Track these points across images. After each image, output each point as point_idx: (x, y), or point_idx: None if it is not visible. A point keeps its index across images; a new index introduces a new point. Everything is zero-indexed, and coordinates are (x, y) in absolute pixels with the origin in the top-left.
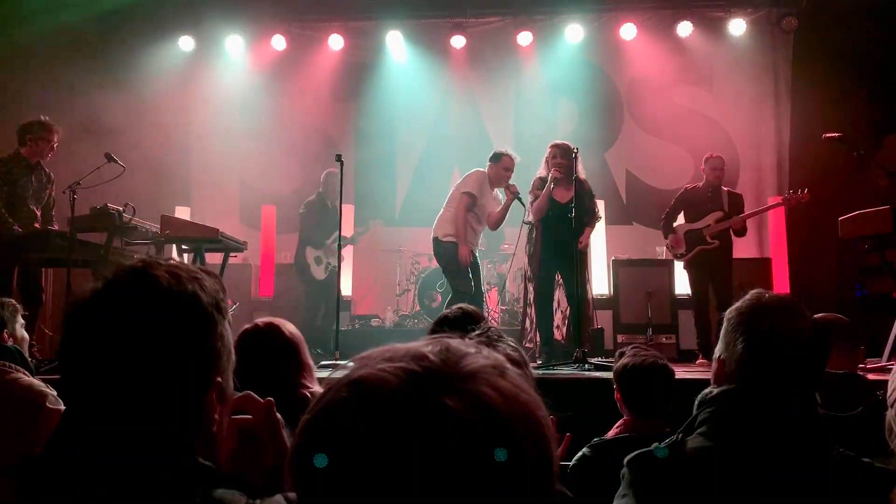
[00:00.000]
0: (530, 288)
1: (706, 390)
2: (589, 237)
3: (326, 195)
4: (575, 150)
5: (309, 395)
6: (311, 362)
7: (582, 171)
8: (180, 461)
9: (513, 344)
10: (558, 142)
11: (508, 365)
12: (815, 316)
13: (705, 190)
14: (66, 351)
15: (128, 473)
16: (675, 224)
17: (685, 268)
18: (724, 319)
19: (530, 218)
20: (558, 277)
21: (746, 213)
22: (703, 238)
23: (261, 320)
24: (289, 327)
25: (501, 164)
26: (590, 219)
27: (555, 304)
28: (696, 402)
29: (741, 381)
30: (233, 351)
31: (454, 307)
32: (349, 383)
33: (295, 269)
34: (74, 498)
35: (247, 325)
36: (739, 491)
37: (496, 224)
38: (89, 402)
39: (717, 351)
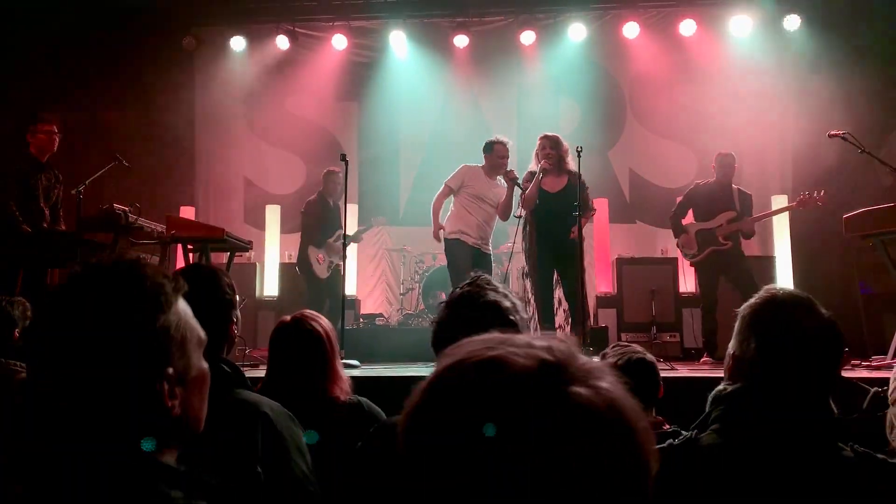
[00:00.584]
0: (528, 284)
1: (720, 387)
2: (582, 228)
3: (327, 194)
4: (578, 149)
5: (338, 397)
6: (337, 361)
7: (572, 163)
8: (128, 453)
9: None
10: (548, 133)
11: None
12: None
13: (716, 187)
14: (27, 361)
15: (78, 465)
16: (685, 223)
17: (693, 266)
18: (738, 316)
19: (521, 212)
20: (556, 274)
21: (758, 214)
22: (716, 238)
23: (299, 313)
24: (323, 322)
25: (495, 154)
26: (583, 210)
27: (556, 303)
28: (710, 399)
29: (754, 379)
30: (192, 335)
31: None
32: (481, 362)
33: (298, 267)
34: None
35: (283, 318)
36: (752, 488)
37: (504, 212)
38: (46, 398)
39: (731, 347)
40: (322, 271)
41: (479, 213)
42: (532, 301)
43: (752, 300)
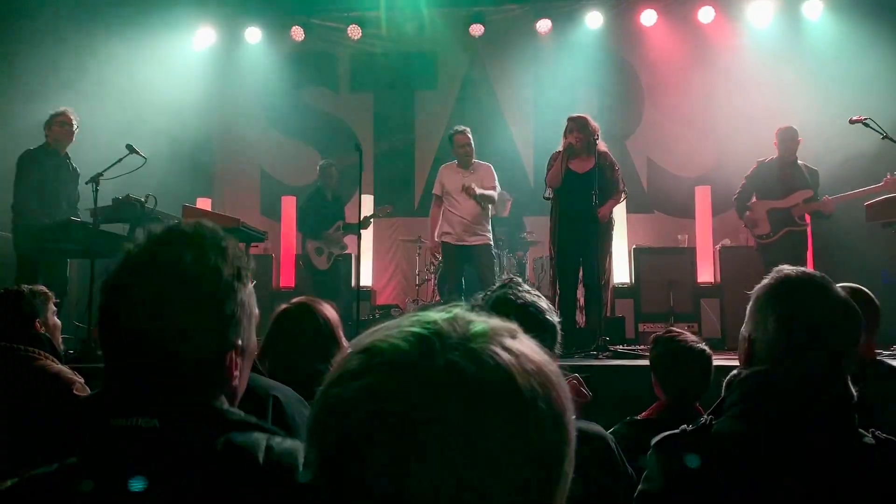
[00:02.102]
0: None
1: (734, 372)
2: (610, 210)
3: (324, 186)
4: (594, 128)
5: None
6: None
7: (602, 144)
8: (203, 407)
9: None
10: (574, 115)
11: (520, 330)
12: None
13: (782, 164)
14: (102, 318)
15: (157, 416)
16: (751, 202)
17: (760, 249)
18: (752, 298)
19: (548, 193)
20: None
21: (842, 195)
22: (792, 218)
23: (296, 300)
24: (327, 309)
25: (455, 145)
26: (613, 191)
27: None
28: (725, 384)
29: (773, 362)
30: (255, 311)
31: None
32: (360, 351)
33: (301, 261)
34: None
35: (283, 305)
36: (772, 475)
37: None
38: (124, 362)
39: (745, 330)
40: (321, 263)
41: (458, 207)
42: (554, 284)
43: (764, 281)
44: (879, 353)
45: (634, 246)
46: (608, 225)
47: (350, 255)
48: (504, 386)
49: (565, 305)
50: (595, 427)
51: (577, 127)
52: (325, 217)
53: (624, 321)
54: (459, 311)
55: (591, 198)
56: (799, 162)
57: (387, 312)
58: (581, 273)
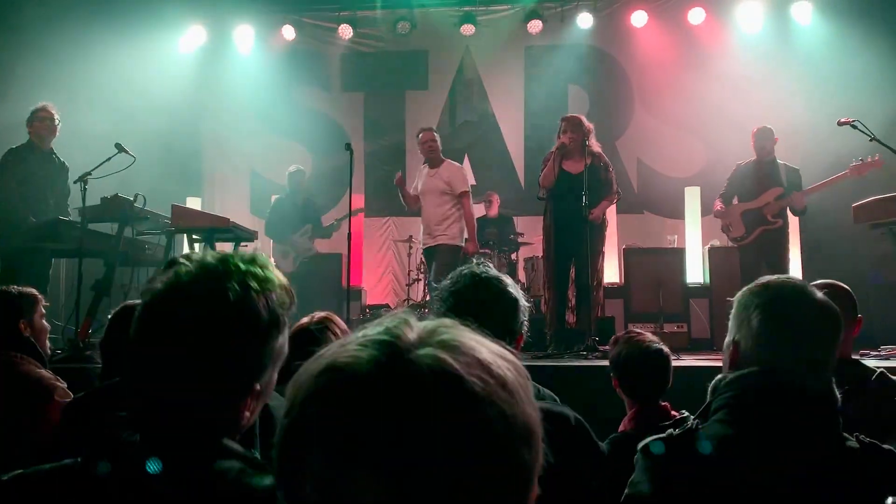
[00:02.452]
0: (544, 266)
1: (719, 376)
2: (603, 211)
3: (294, 192)
4: (588, 129)
5: None
6: None
7: (596, 145)
8: (209, 445)
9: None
10: (568, 115)
11: (460, 324)
12: (818, 282)
13: (758, 165)
14: (135, 338)
15: (160, 455)
16: (728, 207)
17: (738, 251)
18: (735, 302)
19: (543, 193)
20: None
21: (810, 187)
22: (765, 217)
23: (318, 315)
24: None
25: (419, 144)
26: (607, 192)
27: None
28: (710, 389)
29: (760, 363)
30: (285, 352)
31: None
32: (320, 372)
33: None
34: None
35: (303, 321)
36: (755, 477)
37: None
38: (141, 386)
39: (730, 335)
40: (287, 265)
41: (425, 208)
42: (547, 287)
43: (744, 288)
44: (867, 354)
45: (624, 246)
46: (601, 225)
47: (340, 254)
48: (450, 389)
49: (558, 305)
50: (559, 408)
51: (571, 127)
52: (290, 221)
53: (614, 321)
54: (411, 318)
55: (583, 200)
56: (778, 161)
57: (377, 312)
58: (573, 273)
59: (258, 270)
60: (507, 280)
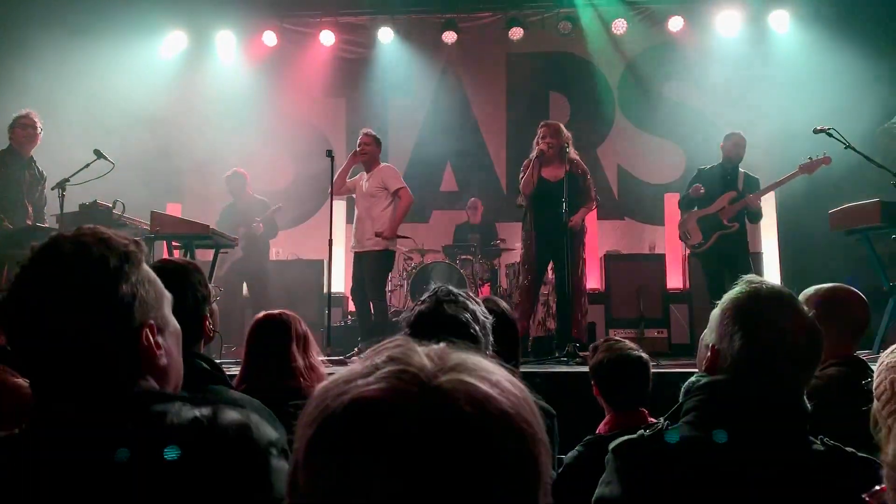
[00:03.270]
0: (521, 272)
1: (693, 378)
2: (582, 218)
3: (234, 197)
4: (567, 136)
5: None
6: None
7: (574, 153)
8: (123, 394)
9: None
10: (549, 121)
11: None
12: (834, 286)
13: (720, 170)
14: (6, 334)
15: (80, 420)
16: (686, 215)
17: (698, 258)
18: (719, 307)
19: (522, 200)
20: (551, 266)
21: (765, 187)
22: (721, 222)
23: (273, 312)
24: (297, 319)
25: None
26: (585, 199)
27: (539, 299)
28: (683, 390)
29: (736, 375)
30: (162, 291)
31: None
32: (345, 407)
33: None
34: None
35: (258, 316)
36: (724, 480)
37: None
38: (40, 371)
39: (709, 339)
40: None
41: (358, 212)
42: (520, 291)
43: (733, 292)
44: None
45: (605, 252)
46: (580, 233)
47: (321, 261)
48: (485, 410)
49: (530, 313)
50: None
51: (550, 132)
52: (232, 227)
53: (595, 327)
54: (394, 352)
55: (562, 208)
56: (740, 169)
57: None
58: (553, 280)
59: (85, 230)
60: (477, 314)
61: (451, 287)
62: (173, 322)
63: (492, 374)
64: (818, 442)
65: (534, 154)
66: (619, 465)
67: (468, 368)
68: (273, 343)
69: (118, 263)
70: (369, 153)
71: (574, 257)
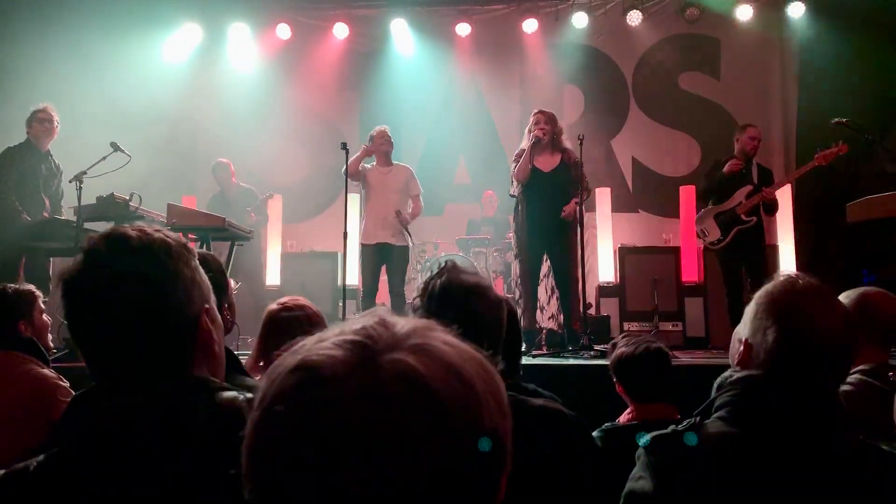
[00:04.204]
0: (516, 266)
1: (726, 373)
2: (575, 207)
3: (222, 188)
4: (580, 137)
5: None
6: None
7: (567, 141)
8: (183, 381)
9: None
10: (543, 109)
11: (437, 325)
12: (864, 290)
13: (737, 164)
14: (70, 319)
15: (141, 405)
16: (703, 211)
17: (717, 254)
18: (753, 301)
19: (515, 190)
20: (546, 258)
21: (781, 180)
22: (738, 217)
23: (287, 299)
24: (312, 307)
25: (375, 139)
26: (576, 189)
27: (547, 291)
28: (716, 385)
29: (771, 371)
30: (210, 284)
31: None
32: (293, 369)
33: None
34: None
35: (272, 306)
36: (761, 479)
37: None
38: (102, 357)
39: (742, 333)
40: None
41: (373, 203)
42: (518, 284)
43: (769, 286)
44: None
45: (619, 245)
46: (575, 222)
47: (336, 253)
48: (417, 394)
49: (533, 305)
50: (554, 406)
51: (545, 119)
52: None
53: (609, 320)
54: (385, 314)
55: (556, 197)
56: (754, 161)
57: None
58: (551, 278)
59: (146, 226)
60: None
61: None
62: (218, 316)
63: (443, 360)
64: (854, 440)
65: (528, 141)
66: (651, 461)
67: (421, 350)
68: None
69: (180, 249)
70: (390, 150)
71: (568, 247)
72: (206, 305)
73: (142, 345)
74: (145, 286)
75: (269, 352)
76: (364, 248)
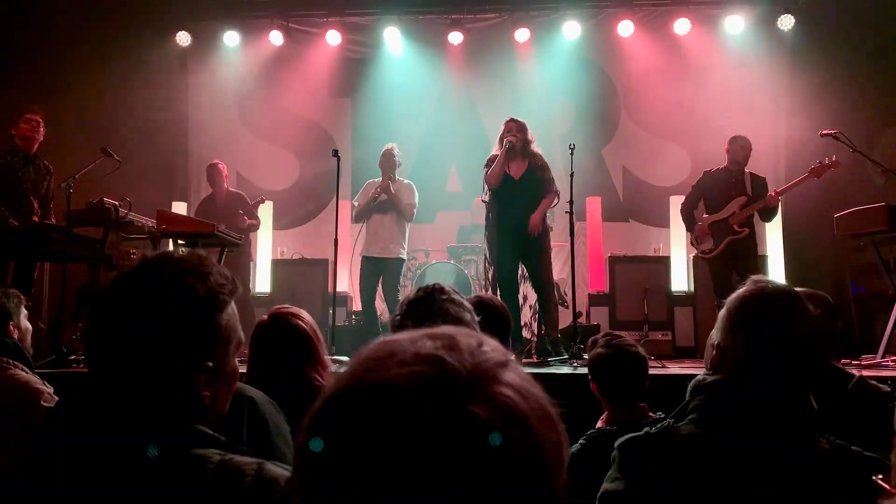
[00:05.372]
0: (491, 274)
1: (699, 377)
2: (543, 213)
3: (213, 189)
4: (571, 147)
5: (319, 382)
6: (323, 353)
7: (536, 149)
8: (171, 430)
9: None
10: (514, 118)
11: (511, 356)
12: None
13: (726, 174)
14: (86, 333)
15: (120, 445)
16: (697, 218)
17: (707, 263)
18: (725, 307)
19: (486, 196)
20: (522, 269)
21: (782, 187)
22: (731, 227)
23: (276, 309)
24: (304, 317)
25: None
26: (545, 193)
27: (520, 300)
28: (689, 389)
29: (739, 374)
30: (234, 336)
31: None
32: (363, 392)
33: None
34: (71, 470)
35: (262, 317)
36: (728, 479)
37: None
38: (98, 379)
39: (714, 337)
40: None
41: (384, 220)
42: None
43: (739, 291)
44: (847, 364)
45: (609, 254)
46: (545, 225)
47: (326, 260)
48: (522, 435)
49: (515, 314)
50: None
51: (517, 127)
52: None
53: (599, 329)
54: (460, 339)
55: (525, 203)
56: (746, 170)
57: (363, 318)
58: (527, 286)
59: (193, 259)
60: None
61: (441, 284)
62: (232, 364)
63: (525, 387)
64: (824, 441)
65: (502, 148)
66: (624, 462)
67: (503, 380)
68: (286, 356)
69: (205, 303)
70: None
71: (539, 253)
72: (209, 363)
73: (140, 379)
74: (146, 328)
75: (260, 364)
76: (364, 259)
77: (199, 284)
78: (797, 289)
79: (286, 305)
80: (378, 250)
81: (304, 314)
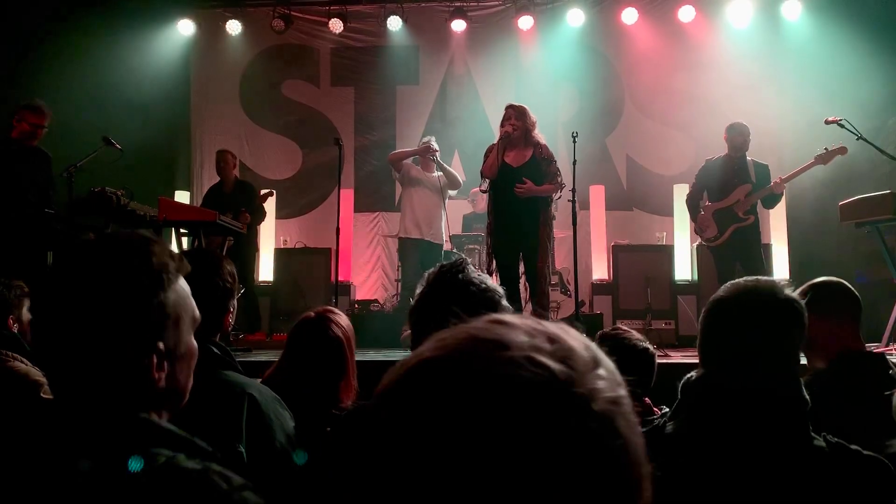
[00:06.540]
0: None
1: (688, 375)
2: (537, 190)
3: (221, 177)
4: (574, 135)
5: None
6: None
7: (541, 137)
8: (120, 418)
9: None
10: (515, 103)
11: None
12: (816, 281)
13: (728, 161)
14: (31, 321)
15: (68, 432)
16: (700, 205)
17: (712, 251)
18: (705, 307)
19: (484, 186)
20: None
21: (787, 175)
22: (736, 214)
23: (315, 311)
24: (340, 321)
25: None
26: (549, 182)
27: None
28: (680, 387)
29: (715, 371)
30: (186, 314)
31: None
32: (476, 384)
33: None
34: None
35: (303, 316)
36: (717, 478)
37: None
38: (52, 367)
39: (699, 338)
40: None
41: (420, 200)
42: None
43: (719, 290)
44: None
45: (613, 243)
46: (547, 216)
47: (328, 249)
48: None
49: (517, 307)
50: None
51: (516, 114)
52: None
53: (602, 317)
54: (575, 347)
55: (526, 196)
56: (748, 158)
57: (366, 307)
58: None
59: (135, 238)
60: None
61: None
62: (188, 343)
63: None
64: (820, 438)
65: (498, 137)
66: None
67: (618, 402)
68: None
69: (155, 279)
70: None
71: (537, 243)
72: (159, 343)
73: (77, 365)
74: (86, 310)
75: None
76: (402, 241)
77: (140, 263)
78: (820, 279)
79: (331, 308)
80: (431, 236)
81: (344, 318)
